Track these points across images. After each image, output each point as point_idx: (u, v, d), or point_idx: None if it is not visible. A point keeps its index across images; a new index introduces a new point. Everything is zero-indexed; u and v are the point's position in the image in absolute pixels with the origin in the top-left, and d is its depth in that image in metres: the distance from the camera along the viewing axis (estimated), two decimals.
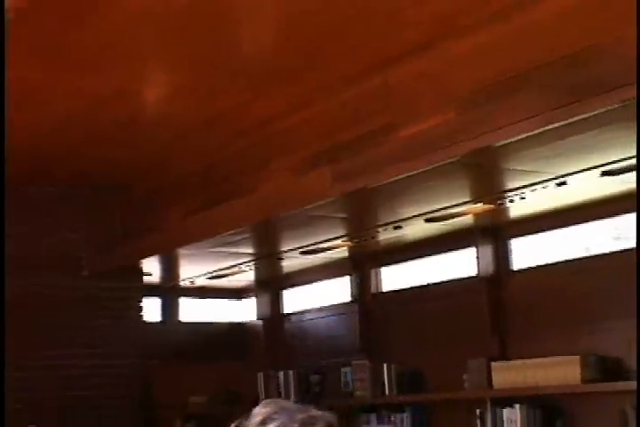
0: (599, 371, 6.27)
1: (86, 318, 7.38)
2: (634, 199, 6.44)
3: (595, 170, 5.67)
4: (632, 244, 6.56)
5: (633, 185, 6.16)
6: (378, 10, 4.12)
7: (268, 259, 8.53)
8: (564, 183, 5.93)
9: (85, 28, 4.23)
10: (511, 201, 6.44)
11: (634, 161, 5.54)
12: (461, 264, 7.73)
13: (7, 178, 6.43)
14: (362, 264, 8.53)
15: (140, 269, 7.95)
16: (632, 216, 6.63)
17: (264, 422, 3.01)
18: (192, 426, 9.54)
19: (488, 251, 7.45)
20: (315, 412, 3.07)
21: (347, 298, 8.85)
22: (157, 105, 5.33)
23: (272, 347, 9.49)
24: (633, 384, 6.04)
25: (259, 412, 3.02)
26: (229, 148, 6.06)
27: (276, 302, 9.71)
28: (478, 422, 6.90)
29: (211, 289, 9.79)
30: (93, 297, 7.45)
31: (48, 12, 3.96)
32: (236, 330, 9.86)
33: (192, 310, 10.03)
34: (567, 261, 7.01)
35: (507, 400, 6.71)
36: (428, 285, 8.10)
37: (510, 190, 6.21)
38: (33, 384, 7.01)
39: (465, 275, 7.69)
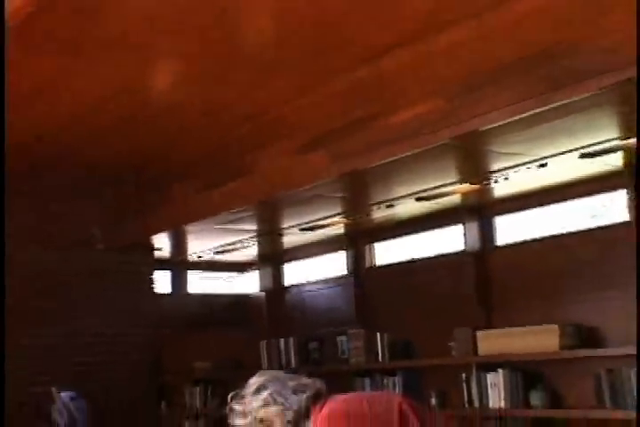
0: (576, 339, 6.33)
1: (101, 289, 7.40)
2: (610, 180, 6.49)
3: (574, 152, 5.69)
4: (607, 221, 6.62)
5: (609, 167, 6.20)
6: (370, 6, 4.13)
7: (269, 235, 8.56)
8: (544, 165, 5.96)
9: (100, 21, 4.23)
10: (495, 181, 6.46)
11: (611, 144, 5.57)
12: (449, 240, 7.77)
13: (32, 163, 6.49)
14: (357, 240, 8.58)
15: (151, 245, 7.97)
16: (608, 195, 6.67)
17: (258, 389, 3.31)
18: (199, 390, 9.61)
19: (474, 228, 7.50)
20: (305, 380, 3.40)
21: (343, 272, 8.89)
22: (166, 94, 5.32)
23: (274, 317, 9.54)
24: (606, 351, 6.15)
25: (254, 382, 3.39)
26: (232, 132, 6.06)
27: (278, 275, 9.75)
28: (464, 385, 6.99)
29: (217, 263, 9.81)
30: (108, 270, 7.47)
31: (66, 7, 3.96)
32: (240, 301, 9.88)
33: (199, 283, 10.05)
34: (547, 238, 7.06)
35: (490, 366, 6.78)
36: (418, 259, 8.16)
37: (495, 171, 6.23)
38: (52, 350, 7.05)
39: (452, 250, 7.75)
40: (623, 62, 3.87)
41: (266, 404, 3.32)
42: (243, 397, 3.43)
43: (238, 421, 3.43)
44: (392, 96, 5.00)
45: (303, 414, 3.30)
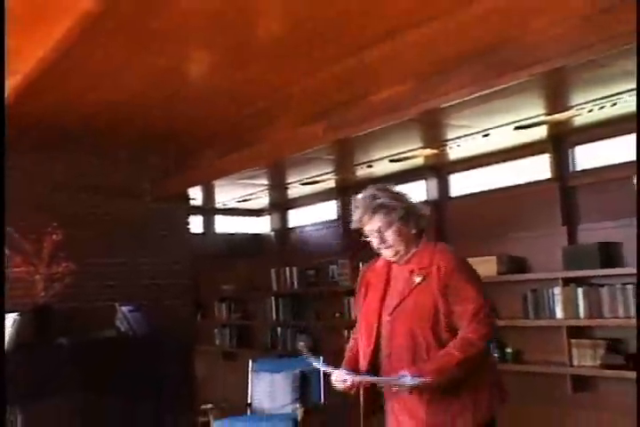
0: (509, 266, 6.41)
1: (151, 231, 7.40)
2: (536, 146, 6.53)
3: (510, 125, 5.72)
4: (533, 178, 6.67)
5: (537, 136, 6.24)
6: (355, 8, 4.12)
7: (277, 188, 8.61)
8: (487, 135, 6.00)
9: (153, 18, 4.22)
10: (450, 147, 6.51)
11: (538, 119, 5.60)
12: (415, 193, 7.76)
13: (101, 131, 6.50)
14: (344, 193, 8.59)
15: (188, 196, 7.97)
16: (534, 158, 6.71)
17: (374, 196, 3.09)
18: (224, 306, 9.73)
19: (433, 183, 7.56)
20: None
21: (333, 217, 8.93)
22: (198, 79, 5.30)
23: (281, 251, 9.62)
24: (532, 275, 6.25)
25: (364, 195, 3.14)
26: (249, 109, 6.01)
27: (284, 219, 9.82)
28: None
29: (238, 209, 9.85)
30: (155, 216, 7.46)
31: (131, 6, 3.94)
32: (255, 239, 9.97)
33: (224, 225, 10.09)
34: (488, 191, 7.10)
35: None
36: None
37: (449, 140, 6.28)
38: (116, 275, 7.10)
39: (417, 200, 7.74)
40: (549, 55, 3.86)
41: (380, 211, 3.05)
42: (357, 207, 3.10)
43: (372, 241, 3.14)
44: (374, 80, 4.96)
45: (414, 221, 3.12)
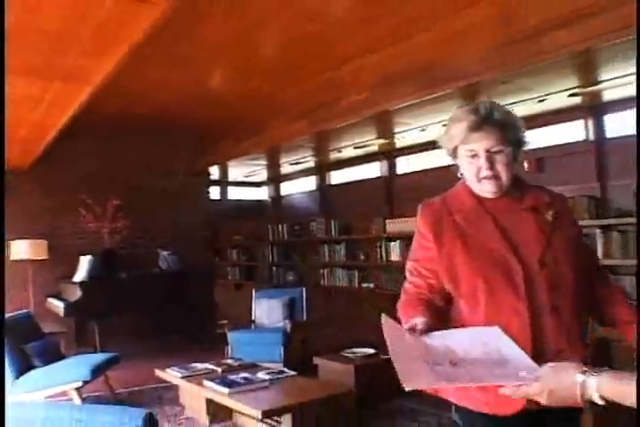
0: None
1: (181, 198, 7.35)
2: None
3: (440, 123, 5.66)
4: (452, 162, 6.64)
5: None
6: (330, 39, 4.11)
7: (272, 167, 8.56)
8: (424, 130, 5.91)
9: (182, 45, 4.21)
10: (397, 138, 6.52)
11: None
12: (372, 171, 7.73)
13: (148, 128, 6.48)
14: (322, 169, 8.52)
15: (209, 172, 7.95)
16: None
17: (492, 108, 1.65)
18: (235, 251, 9.77)
19: (385, 164, 7.50)
20: None
21: (314, 187, 8.89)
22: (216, 88, 5.22)
23: (275, 212, 9.55)
24: None
25: (475, 106, 1.66)
26: (253, 110, 5.98)
27: (278, 189, 9.74)
28: (378, 249, 7.04)
29: (245, 182, 9.77)
30: (185, 187, 7.41)
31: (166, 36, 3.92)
32: (257, 203, 9.91)
33: (235, 193, 10.07)
34: (424, 170, 7.03)
35: (392, 238, 6.83)
36: (355, 180, 8.06)
37: (396, 133, 6.22)
38: (158, 228, 7.11)
39: (374, 176, 7.69)
40: (467, 74, 3.88)
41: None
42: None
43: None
44: (343, 90, 4.95)
45: (519, 151, 1.67)
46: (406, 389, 1.22)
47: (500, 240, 1.66)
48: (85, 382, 4.13)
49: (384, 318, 1.47)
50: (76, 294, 5.86)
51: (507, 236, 1.66)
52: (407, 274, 1.85)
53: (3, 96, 3.56)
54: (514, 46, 3.37)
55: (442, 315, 1.68)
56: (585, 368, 1.17)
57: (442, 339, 1.44)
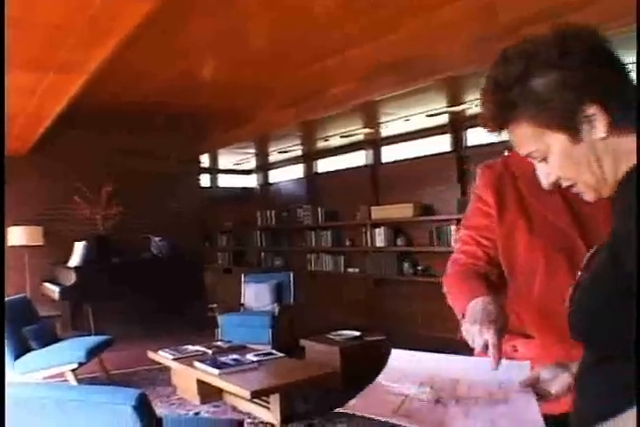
0: (421, 210, 6.39)
1: (173, 186, 7.34)
2: (441, 128, 6.34)
3: (423, 113, 5.68)
4: (438, 151, 6.62)
5: (441, 121, 6.07)
6: (317, 33, 4.11)
7: (261, 155, 8.50)
8: (408, 120, 5.92)
9: (175, 37, 4.19)
10: (381, 128, 6.48)
11: (442, 110, 5.48)
12: (357, 160, 7.66)
13: (140, 116, 6.40)
14: (309, 158, 8.48)
15: (199, 160, 7.90)
16: (439, 137, 6.62)
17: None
18: (225, 237, 9.76)
19: (370, 153, 7.43)
20: None
21: (301, 175, 8.83)
22: (208, 78, 5.17)
23: (264, 198, 9.45)
24: (436, 217, 6.19)
25: None
26: (243, 99, 5.95)
27: (266, 176, 9.66)
28: (363, 235, 7.01)
29: (235, 170, 9.68)
30: (178, 173, 7.37)
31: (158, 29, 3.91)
32: (246, 190, 9.85)
33: (225, 181, 9.98)
34: (408, 159, 7.00)
35: (377, 225, 6.81)
36: (341, 169, 8.02)
37: (381, 122, 6.17)
38: (151, 215, 7.04)
39: (359, 164, 7.63)
40: (446, 68, 3.91)
41: None
42: None
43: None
44: (330, 81, 4.96)
45: None
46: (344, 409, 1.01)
47: (568, 220, 1.36)
48: (81, 364, 4.17)
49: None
50: (71, 278, 5.88)
51: (574, 213, 1.36)
52: (459, 244, 1.54)
53: (3, 95, 3.65)
54: (492, 41, 3.39)
55: (499, 295, 1.33)
56: None
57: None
